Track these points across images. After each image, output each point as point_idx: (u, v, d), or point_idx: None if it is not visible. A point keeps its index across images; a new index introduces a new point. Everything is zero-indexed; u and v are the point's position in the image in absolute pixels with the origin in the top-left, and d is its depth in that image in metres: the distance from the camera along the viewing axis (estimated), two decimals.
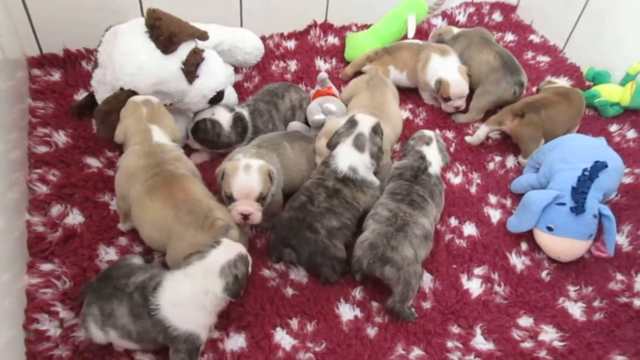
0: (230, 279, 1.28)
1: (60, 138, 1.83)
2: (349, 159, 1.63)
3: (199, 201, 1.43)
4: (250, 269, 1.38)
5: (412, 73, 2.21)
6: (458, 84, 2.10)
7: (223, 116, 1.79)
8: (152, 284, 1.27)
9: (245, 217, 1.50)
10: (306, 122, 2.01)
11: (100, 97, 1.78)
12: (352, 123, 1.67)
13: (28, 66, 2.07)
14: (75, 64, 2.13)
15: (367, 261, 1.48)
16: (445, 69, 2.12)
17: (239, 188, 1.48)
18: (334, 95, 2.03)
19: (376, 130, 1.67)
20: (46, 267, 1.49)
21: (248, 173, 1.49)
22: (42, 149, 1.79)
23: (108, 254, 1.55)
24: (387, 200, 1.62)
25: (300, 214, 1.54)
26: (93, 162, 1.79)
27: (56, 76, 2.07)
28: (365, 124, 1.66)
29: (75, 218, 1.62)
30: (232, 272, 1.29)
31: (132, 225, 1.57)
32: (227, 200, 1.51)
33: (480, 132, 2.05)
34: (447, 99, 2.12)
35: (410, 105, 2.24)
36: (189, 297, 1.26)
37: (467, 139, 2.11)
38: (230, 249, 1.32)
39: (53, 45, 2.10)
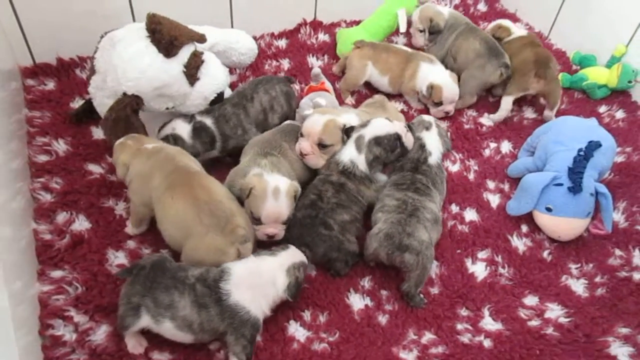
0: (292, 279, 1.39)
1: (60, 146, 1.83)
2: (350, 153, 1.66)
3: (221, 203, 1.44)
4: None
5: (396, 80, 2.20)
6: (450, 88, 2.11)
7: (183, 129, 1.73)
8: (212, 275, 1.33)
9: (270, 236, 1.53)
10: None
11: (98, 103, 1.79)
12: (365, 123, 1.68)
13: (22, 76, 2.07)
14: (69, 72, 2.13)
15: (385, 252, 1.50)
16: (436, 75, 2.13)
17: (268, 214, 1.50)
18: (326, 90, 2.04)
19: (380, 141, 1.64)
20: (56, 273, 1.50)
21: (277, 199, 1.50)
22: (43, 158, 1.79)
23: (117, 258, 1.56)
24: (392, 191, 1.65)
25: (312, 211, 1.57)
26: (95, 169, 1.79)
27: (50, 85, 2.07)
28: (372, 130, 1.65)
29: (81, 224, 1.63)
30: (295, 274, 1.40)
31: (143, 229, 1.60)
32: (252, 219, 1.52)
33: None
34: (439, 104, 2.13)
35: (403, 99, 2.27)
36: (260, 283, 1.36)
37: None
38: (297, 254, 1.45)
39: (46, 54, 2.10)
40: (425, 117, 1.84)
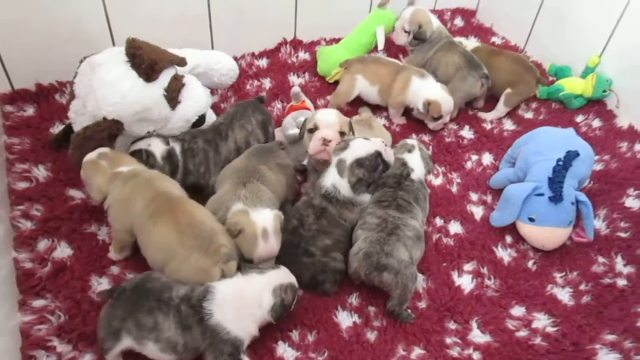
0: (278, 300, 1.37)
1: (40, 172, 1.81)
2: (332, 177, 1.64)
3: (203, 224, 1.43)
4: (294, 303, 1.44)
5: (386, 90, 2.19)
6: (447, 101, 2.13)
7: (158, 147, 1.71)
8: (196, 295, 1.32)
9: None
10: None
11: (78, 128, 1.77)
12: (344, 145, 1.65)
13: (0, 103, 2.05)
14: (48, 98, 2.11)
15: (363, 272, 1.50)
16: (429, 90, 2.13)
17: (260, 256, 1.48)
18: (307, 108, 2.05)
19: (362, 162, 1.61)
20: (38, 303, 1.47)
21: (267, 241, 1.47)
22: (23, 185, 1.77)
23: (101, 284, 1.53)
24: (373, 209, 1.64)
25: (294, 238, 1.57)
26: (76, 194, 1.77)
27: (30, 111, 2.05)
28: (352, 153, 1.62)
29: (63, 251, 1.60)
30: (281, 295, 1.38)
31: (126, 254, 1.59)
32: (243, 257, 1.50)
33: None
34: (438, 118, 2.14)
35: (385, 113, 2.29)
36: (245, 303, 1.34)
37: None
38: (286, 275, 1.43)
39: (25, 80, 2.09)
40: (409, 140, 1.86)
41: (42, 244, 1.61)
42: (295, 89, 2.06)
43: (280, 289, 1.38)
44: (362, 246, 1.53)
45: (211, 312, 1.30)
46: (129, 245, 1.56)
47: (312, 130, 1.73)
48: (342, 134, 1.72)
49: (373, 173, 1.63)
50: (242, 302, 1.34)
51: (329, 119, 1.72)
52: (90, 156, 1.56)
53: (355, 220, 1.65)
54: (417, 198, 1.70)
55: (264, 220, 1.48)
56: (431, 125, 2.19)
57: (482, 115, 2.34)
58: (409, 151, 1.79)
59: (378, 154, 1.63)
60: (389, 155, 1.68)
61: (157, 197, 1.47)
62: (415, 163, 1.77)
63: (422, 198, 1.72)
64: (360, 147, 1.63)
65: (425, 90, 2.13)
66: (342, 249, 1.61)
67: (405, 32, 2.34)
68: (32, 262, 1.56)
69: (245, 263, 1.50)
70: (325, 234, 1.58)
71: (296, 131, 1.90)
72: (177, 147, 1.75)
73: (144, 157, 1.69)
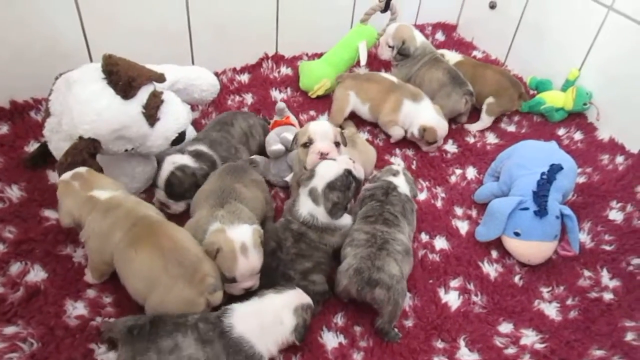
0: (300, 320, 1.35)
1: (14, 192, 1.75)
2: (307, 206, 1.57)
3: (188, 251, 1.37)
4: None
5: (376, 109, 2.18)
6: (442, 126, 2.11)
7: (181, 158, 1.73)
8: (213, 314, 1.32)
9: (248, 289, 1.48)
10: (260, 152, 1.99)
11: (54, 147, 1.72)
12: (310, 174, 1.59)
13: None
14: (23, 115, 2.05)
15: (355, 288, 1.46)
16: (424, 115, 2.11)
17: (242, 273, 1.43)
18: (292, 124, 2.03)
19: (334, 185, 1.54)
20: (10, 330, 1.39)
21: (248, 256, 1.42)
22: None
23: (76, 309, 1.47)
24: (361, 225, 1.61)
25: (272, 261, 1.52)
26: (51, 214, 1.71)
27: (4, 129, 1.99)
28: (323, 178, 1.55)
29: (37, 274, 1.53)
30: (303, 316, 1.36)
31: (104, 279, 1.53)
32: (225, 278, 1.44)
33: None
34: (433, 142, 2.13)
35: (368, 127, 2.28)
36: (266, 322, 1.32)
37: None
38: (304, 296, 1.41)
39: None
40: (394, 166, 1.84)
41: (15, 268, 1.54)
42: (280, 105, 2.04)
43: (301, 309, 1.36)
44: (352, 262, 1.49)
45: (232, 325, 1.28)
46: (108, 273, 1.49)
47: (307, 145, 1.69)
48: (337, 144, 1.69)
49: (347, 192, 1.57)
50: (263, 320, 1.32)
51: (323, 131, 1.68)
52: (65, 176, 1.51)
53: (338, 244, 1.60)
54: (405, 210, 1.67)
55: (242, 235, 1.43)
56: (425, 148, 2.17)
57: (468, 127, 2.34)
58: (394, 175, 1.77)
59: (348, 172, 1.57)
60: (359, 171, 1.63)
61: (137, 223, 1.41)
62: (401, 184, 1.74)
63: (409, 211, 1.69)
64: (328, 171, 1.57)
65: (421, 115, 2.11)
66: (324, 270, 1.56)
67: (389, 47, 2.35)
68: (3, 287, 1.49)
69: (229, 284, 1.45)
70: (304, 257, 1.53)
71: (280, 147, 1.87)
72: (201, 147, 1.79)
73: (180, 175, 1.69)
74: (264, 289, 1.41)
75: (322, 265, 1.56)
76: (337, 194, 1.55)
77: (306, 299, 1.40)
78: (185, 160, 1.74)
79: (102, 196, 1.47)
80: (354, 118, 2.26)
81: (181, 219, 1.64)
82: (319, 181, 1.56)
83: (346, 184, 1.56)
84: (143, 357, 1.23)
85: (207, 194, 1.60)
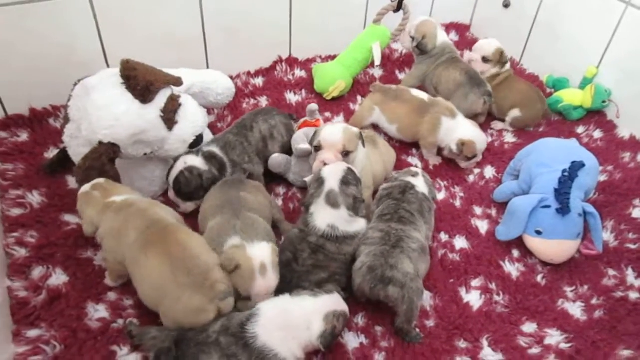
0: (329, 328, 1.32)
1: (35, 198, 1.77)
2: (326, 217, 1.53)
3: (198, 259, 1.35)
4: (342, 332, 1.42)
5: (406, 130, 2.10)
6: (481, 140, 2.06)
7: (194, 159, 1.73)
8: (236, 322, 1.28)
9: None
10: (284, 152, 1.97)
11: (73, 152, 1.74)
12: (319, 181, 1.57)
13: None
14: (42, 122, 2.08)
15: (368, 286, 1.44)
16: (461, 129, 2.05)
17: (258, 293, 1.41)
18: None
19: (346, 181, 1.55)
20: (33, 333, 1.41)
21: (265, 276, 1.40)
22: (17, 212, 1.72)
23: (98, 312, 1.48)
24: (376, 223, 1.60)
25: (288, 273, 1.49)
26: (71, 219, 1.73)
27: (24, 136, 2.02)
28: (332, 178, 1.55)
29: (58, 278, 1.55)
30: (333, 323, 1.33)
31: (123, 282, 1.53)
32: (238, 294, 1.41)
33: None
34: (473, 157, 2.06)
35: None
36: (292, 325, 1.30)
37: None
38: (340, 303, 1.39)
39: (18, 105, 2.05)
40: (413, 168, 1.82)
41: (37, 272, 1.56)
42: (313, 106, 2.04)
43: (333, 315, 1.34)
44: (365, 260, 1.48)
45: (255, 335, 1.25)
46: (125, 275, 1.49)
47: (317, 149, 1.70)
48: (346, 153, 1.67)
49: (359, 186, 1.59)
50: (288, 323, 1.30)
51: (332, 140, 1.67)
52: (84, 188, 1.53)
53: (355, 251, 1.57)
54: (422, 209, 1.65)
55: (262, 255, 1.41)
56: (464, 165, 2.10)
57: (494, 125, 2.35)
58: (413, 176, 1.75)
59: (349, 169, 1.59)
60: (357, 170, 1.65)
61: (151, 226, 1.40)
62: (419, 184, 1.73)
63: (427, 210, 1.67)
64: (334, 170, 1.57)
65: (458, 130, 2.04)
66: (338, 280, 1.53)
67: (411, 37, 2.35)
68: (26, 291, 1.50)
69: (241, 300, 1.42)
70: (321, 268, 1.51)
71: (307, 146, 1.86)
72: (214, 148, 1.78)
73: (188, 175, 1.69)
74: (301, 290, 1.40)
75: (337, 276, 1.53)
76: (352, 188, 1.55)
77: (341, 307, 1.38)
78: (197, 161, 1.74)
79: (118, 199, 1.49)
80: None
81: (195, 220, 1.65)
82: (332, 182, 1.55)
83: (355, 177, 1.58)
84: None
85: (214, 209, 1.58)
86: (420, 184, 1.73)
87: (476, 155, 2.05)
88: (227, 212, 1.55)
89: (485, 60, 2.33)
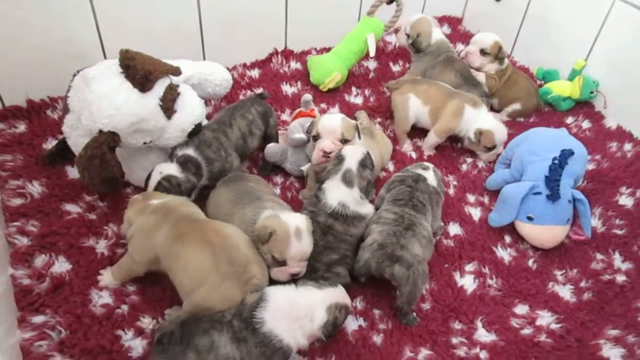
0: (331, 318, 1.35)
1: (35, 188, 1.78)
2: (338, 194, 1.58)
3: (238, 250, 1.38)
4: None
5: (436, 111, 2.10)
6: (500, 130, 2.07)
7: (168, 167, 1.70)
8: (247, 308, 1.31)
9: (294, 275, 1.48)
10: (261, 148, 1.99)
11: (73, 143, 1.75)
12: (339, 159, 1.62)
13: None
14: (40, 114, 2.09)
15: (375, 262, 1.48)
16: (482, 119, 2.07)
17: (294, 255, 1.44)
18: (315, 117, 2.04)
19: (364, 163, 1.61)
20: (38, 319, 1.43)
21: (300, 240, 1.44)
22: (17, 202, 1.74)
23: (102, 298, 1.50)
24: (389, 206, 1.64)
25: None
26: (72, 208, 1.75)
27: (21, 127, 2.02)
28: (353, 158, 1.61)
29: (61, 266, 1.57)
30: (335, 314, 1.36)
31: (124, 281, 1.55)
32: (273, 261, 1.46)
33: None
34: (492, 148, 2.07)
35: (379, 119, 2.31)
36: (298, 315, 1.32)
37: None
38: (343, 295, 1.42)
39: (15, 97, 2.06)
40: (425, 163, 1.87)
41: (40, 260, 1.57)
42: (307, 97, 2.07)
43: (335, 307, 1.37)
44: (377, 238, 1.52)
45: (263, 320, 1.28)
46: (134, 276, 1.51)
47: (316, 138, 1.74)
48: (345, 141, 1.71)
49: (373, 172, 1.65)
50: (294, 312, 1.33)
51: (331, 127, 1.72)
52: (138, 196, 1.55)
53: (360, 234, 1.62)
54: (432, 200, 1.70)
55: (296, 220, 1.46)
56: (484, 156, 2.13)
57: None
58: (424, 169, 1.80)
59: (368, 153, 1.65)
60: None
61: (181, 220, 1.43)
62: (430, 177, 1.77)
63: (435, 202, 1.72)
64: (355, 151, 1.63)
65: (478, 120, 2.07)
66: (348, 263, 1.58)
67: (406, 34, 2.38)
68: (29, 279, 1.52)
69: (277, 267, 1.46)
70: (332, 249, 1.56)
71: (302, 136, 1.90)
72: (188, 150, 1.75)
73: (166, 184, 1.65)
74: (307, 280, 1.43)
75: (347, 258, 1.58)
76: (368, 172, 1.60)
77: (344, 299, 1.41)
78: (172, 169, 1.70)
79: (155, 202, 1.51)
80: (368, 110, 2.29)
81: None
82: (351, 162, 1.60)
83: (372, 162, 1.63)
84: (184, 358, 1.25)
85: (231, 204, 1.60)
86: (430, 177, 1.77)
87: (495, 146, 2.08)
88: (249, 200, 1.58)
89: (483, 52, 2.35)
